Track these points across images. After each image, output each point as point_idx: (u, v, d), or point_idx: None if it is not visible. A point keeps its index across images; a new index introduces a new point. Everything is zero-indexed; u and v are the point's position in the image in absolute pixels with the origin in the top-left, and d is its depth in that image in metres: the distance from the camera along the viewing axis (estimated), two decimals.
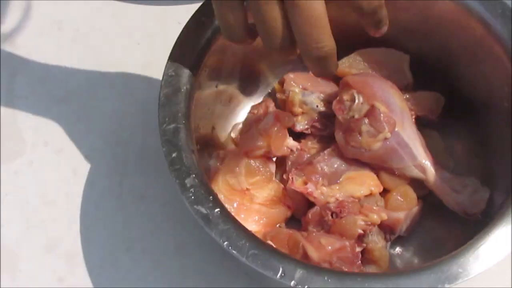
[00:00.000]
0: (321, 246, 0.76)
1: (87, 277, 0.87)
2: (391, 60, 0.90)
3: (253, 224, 0.82)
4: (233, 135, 0.90)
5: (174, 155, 0.72)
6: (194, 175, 0.71)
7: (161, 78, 0.77)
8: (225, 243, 0.67)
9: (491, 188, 0.81)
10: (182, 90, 0.76)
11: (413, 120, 0.85)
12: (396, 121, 0.80)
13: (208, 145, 0.85)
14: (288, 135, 0.86)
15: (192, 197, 0.70)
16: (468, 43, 0.82)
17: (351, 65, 0.90)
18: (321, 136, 0.88)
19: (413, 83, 0.90)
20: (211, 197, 0.70)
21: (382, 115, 0.80)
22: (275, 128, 0.84)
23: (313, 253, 0.75)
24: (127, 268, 0.87)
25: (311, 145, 0.87)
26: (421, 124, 0.87)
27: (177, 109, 0.75)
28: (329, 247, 0.76)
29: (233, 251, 0.67)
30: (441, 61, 0.87)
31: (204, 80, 0.80)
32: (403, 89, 0.88)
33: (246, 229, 0.69)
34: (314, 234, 0.78)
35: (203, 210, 0.69)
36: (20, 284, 0.86)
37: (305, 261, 0.75)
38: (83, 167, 0.93)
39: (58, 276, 0.87)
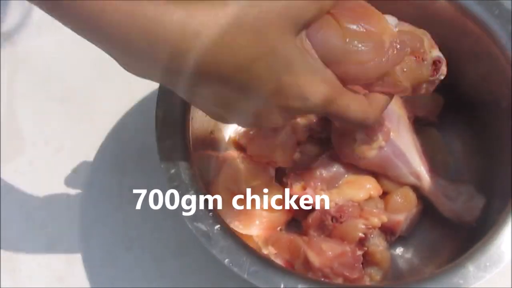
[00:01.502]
0: (322, 252, 0.76)
1: (87, 276, 0.87)
2: None
3: (254, 228, 0.82)
4: (235, 137, 0.89)
5: (172, 171, 0.72)
6: (193, 191, 0.71)
7: None
8: (226, 260, 0.67)
9: (490, 188, 0.81)
10: (178, 103, 0.75)
11: (411, 122, 0.85)
12: (391, 129, 0.80)
13: (206, 148, 0.85)
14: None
15: (192, 214, 0.70)
16: (466, 43, 0.81)
17: None
18: (320, 138, 0.87)
19: None
20: (210, 213, 0.70)
21: (376, 124, 0.79)
22: (291, 142, 0.84)
23: (314, 259, 0.76)
24: (127, 267, 0.88)
25: (310, 147, 0.85)
26: (421, 123, 0.87)
27: (174, 123, 0.74)
28: (330, 253, 0.76)
29: (234, 268, 0.67)
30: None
31: None
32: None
33: (247, 245, 0.69)
34: (315, 239, 0.78)
35: (203, 227, 0.69)
36: (20, 283, 0.87)
37: (306, 266, 0.76)
38: (83, 166, 0.94)
39: (58, 275, 0.88)
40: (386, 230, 0.81)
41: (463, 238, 0.78)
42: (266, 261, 0.69)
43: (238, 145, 0.89)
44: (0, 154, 0.94)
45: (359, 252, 0.78)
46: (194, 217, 0.69)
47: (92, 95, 0.98)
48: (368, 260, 0.81)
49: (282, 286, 0.66)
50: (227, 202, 0.81)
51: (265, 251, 0.79)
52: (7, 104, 0.97)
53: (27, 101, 0.98)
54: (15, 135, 0.95)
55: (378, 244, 0.80)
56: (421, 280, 0.67)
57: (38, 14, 1.03)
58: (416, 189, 0.82)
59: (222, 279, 0.85)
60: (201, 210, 0.70)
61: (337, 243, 0.78)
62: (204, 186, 0.74)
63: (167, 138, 0.73)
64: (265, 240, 0.81)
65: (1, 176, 0.92)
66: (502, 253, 0.67)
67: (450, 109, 0.88)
